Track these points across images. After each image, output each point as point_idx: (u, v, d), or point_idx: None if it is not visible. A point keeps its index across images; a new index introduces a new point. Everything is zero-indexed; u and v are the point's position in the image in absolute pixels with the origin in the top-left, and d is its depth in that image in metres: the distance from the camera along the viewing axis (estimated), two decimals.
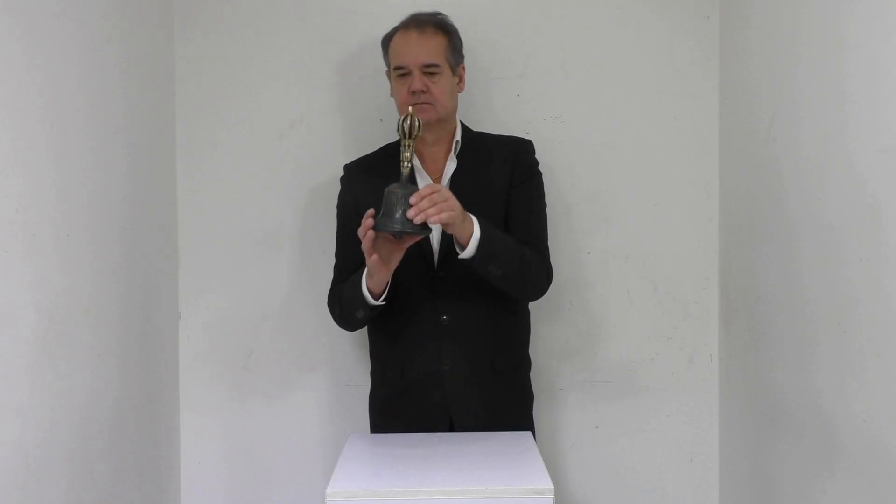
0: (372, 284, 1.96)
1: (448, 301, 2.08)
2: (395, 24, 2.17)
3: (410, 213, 1.81)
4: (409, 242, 1.91)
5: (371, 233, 1.84)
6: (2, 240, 1.58)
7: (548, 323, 2.46)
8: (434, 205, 1.82)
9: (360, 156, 2.26)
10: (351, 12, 2.46)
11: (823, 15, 1.85)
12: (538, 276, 2.09)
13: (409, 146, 1.85)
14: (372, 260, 1.88)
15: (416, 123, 1.85)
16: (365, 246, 1.86)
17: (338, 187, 2.23)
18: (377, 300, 1.98)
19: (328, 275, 2.20)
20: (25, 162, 1.67)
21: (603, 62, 2.48)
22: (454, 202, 1.87)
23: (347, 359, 2.49)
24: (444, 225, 1.88)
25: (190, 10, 2.46)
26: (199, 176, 2.48)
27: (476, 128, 2.23)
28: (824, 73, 1.84)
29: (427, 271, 2.09)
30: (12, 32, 1.63)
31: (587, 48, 2.48)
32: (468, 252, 1.92)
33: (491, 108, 2.45)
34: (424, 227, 1.84)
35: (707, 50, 2.47)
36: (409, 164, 1.85)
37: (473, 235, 1.91)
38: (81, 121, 1.91)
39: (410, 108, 1.89)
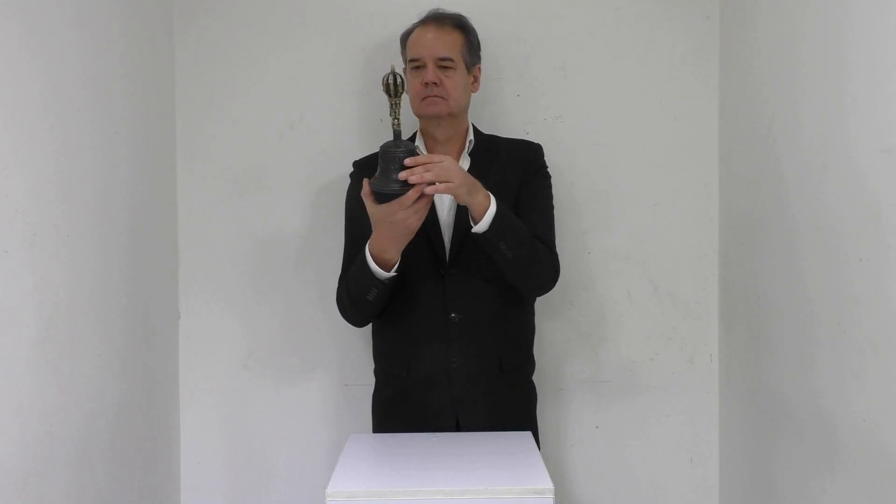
0: (395, 254, 1.92)
1: (458, 299, 2.08)
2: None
3: (403, 174, 1.80)
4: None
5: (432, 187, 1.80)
6: (2, 240, 1.58)
7: (548, 323, 2.46)
8: (428, 171, 1.81)
9: (361, 155, 2.25)
10: (351, 13, 2.46)
11: (824, 15, 1.85)
12: (546, 268, 2.08)
13: (395, 105, 1.84)
14: (417, 220, 1.85)
15: (400, 81, 1.83)
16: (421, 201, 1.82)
17: (338, 186, 2.23)
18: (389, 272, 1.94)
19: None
20: (26, 162, 1.67)
21: (603, 62, 2.48)
22: (454, 174, 1.85)
23: (348, 359, 2.48)
24: (454, 195, 1.87)
25: (190, 10, 2.46)
26: (199, 176, 2.48)
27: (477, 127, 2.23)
28: (824, 72, 1.84)
29: (437, 269, 2.08)
30: (13, 33, 1.63)
31: (587, 48, 2.48)
32: (482, 226, 1.91)
33: (491, 108, 2.45)
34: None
35: (707, 50, 2.47)
36: (399, 122, 1.83)
37: (489, 209, 1.91)
38: (82, 121, 1.91)
39: (393, 66, 1.87)
